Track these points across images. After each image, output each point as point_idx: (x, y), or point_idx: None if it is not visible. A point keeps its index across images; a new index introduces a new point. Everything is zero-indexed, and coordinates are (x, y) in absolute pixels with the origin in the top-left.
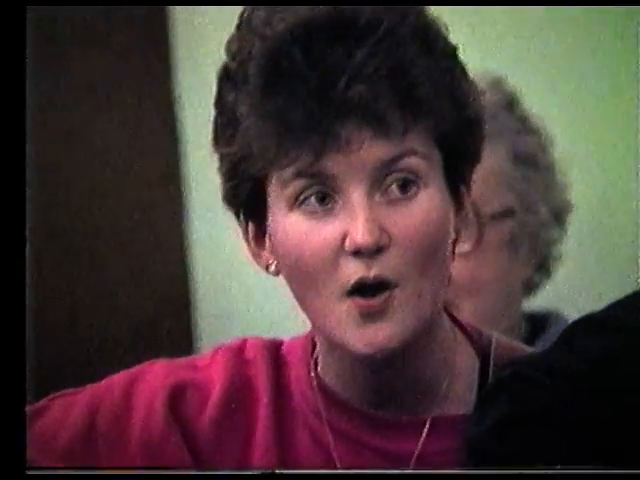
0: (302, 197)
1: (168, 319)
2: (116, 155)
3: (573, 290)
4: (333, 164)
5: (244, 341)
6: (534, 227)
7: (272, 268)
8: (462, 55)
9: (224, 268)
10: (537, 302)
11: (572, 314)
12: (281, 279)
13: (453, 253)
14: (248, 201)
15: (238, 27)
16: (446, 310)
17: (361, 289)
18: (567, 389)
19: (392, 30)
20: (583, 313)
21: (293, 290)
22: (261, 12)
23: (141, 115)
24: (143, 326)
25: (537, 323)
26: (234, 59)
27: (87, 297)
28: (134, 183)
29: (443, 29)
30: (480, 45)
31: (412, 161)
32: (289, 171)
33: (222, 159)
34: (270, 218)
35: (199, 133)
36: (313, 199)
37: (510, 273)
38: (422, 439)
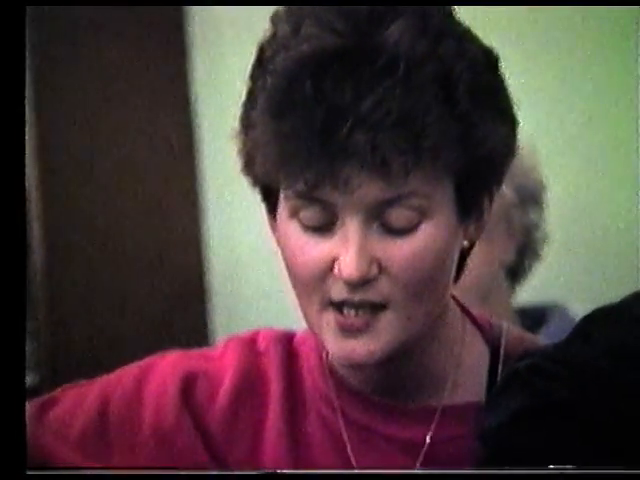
0: (301, 213)
1: (183, 312)
2: (132, 149)
3: (577, 283)
4: (331, 196)
5: (256, 332)
6: (503, 209)
7: None
8: None
9: (238, 261)
10: (541, 295)
11: (575, 306)
12: None
13: (464, 263)
14: (263, 192)
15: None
16: (456, 301)
17: (344, 305)
18: (585, 382)
19: (410, 74)
20: (588, 305)
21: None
22: (288, 25)
23: (157, 110)
24: (158, 318)
25: (535, 316)
26: (268, 49)
27: (102, 289)
28: (150, 177)
29: (480, 62)
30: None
31: (413, 202)
32: (289, 190)
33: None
34: (278, 211)
35: (215, 127)
36: (311, 218)
37: (485, 258)
38: (433, 426)
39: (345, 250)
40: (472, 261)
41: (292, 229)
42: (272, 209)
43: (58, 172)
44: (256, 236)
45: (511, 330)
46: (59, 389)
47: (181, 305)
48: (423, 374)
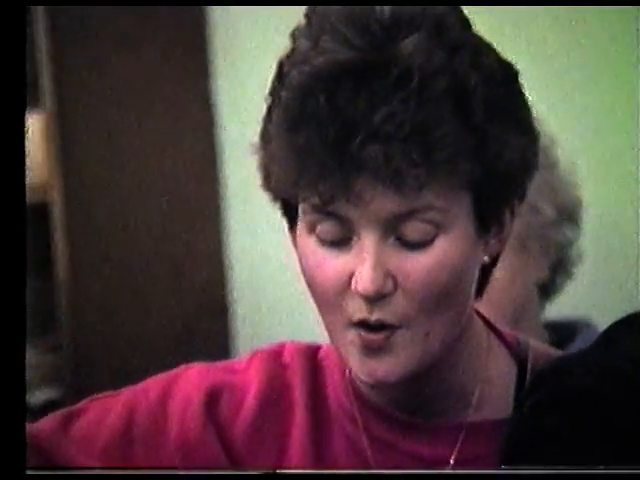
0: (318, 228)
1: (205, 323)
2: (154, 163)
3: (602, 297)
4: (346, 210)
5: (282, 345)
6: (541, 227)
7: None
8: None
9: (261, 272)
10: (565, 310)
11: (601, 321)
12: None
13: (488, 279)
14: (282, 207)
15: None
16: (481, 316)
17: (362, 325)
18: (610, 387)
19: (424, 86)
20: (613, 320)
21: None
22: (308, 40)
23: (179, 123)
24: (180, 330)
25: (565, 331)
26: (287, 64)
27: (124, 301)
28: (172, 187)
29: (499, 74)
30: None
31: (429, 215)
32: (306, 204)
33: (259, 164)
34: (298, 227)
35: (237, 140)
36: (328, 233)
37: (521, 275)
38: (458, 444)
39: (361, 264)
40: (508, 277)
41: (310, 244)
42: (292, 224)
43: (81, 186)
44: (278, 249)
45: (537, 346)
46: (84, 401)
47: (203, 318)
48: (448, 391)
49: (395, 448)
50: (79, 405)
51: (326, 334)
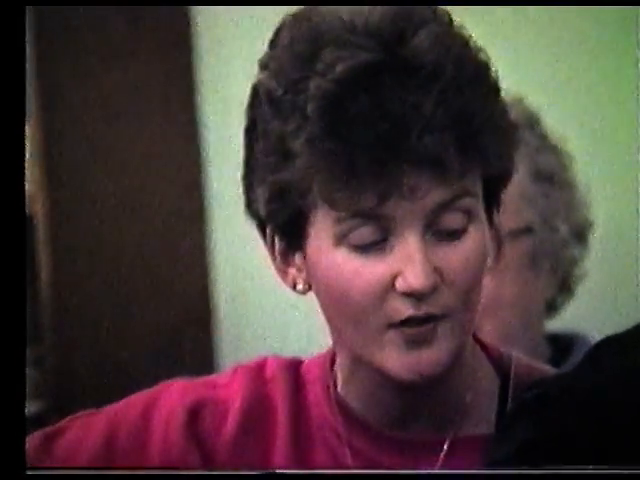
0: (353, 235)
1: (189, 336)
2: (139, 169)
3: (597, 311)
4: (393, 208)
5: (264, 360)
6: (554, 245)
7: (300, 287)
8: None
9: (245, 284)
10: (561, 323)
11: (596, 335)
12: (304, 297)
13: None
14: (284, 223)
15: (273, 44)
16: None
17: (409, 322)
18: (594, 410)
19: (455, 76)
20: (607, 334)
21: (330, 317)
22: (305, 43)
23: (164, 134)
24: (164, 343)
25: (562, 345)
26: (280, 85)
27: (108, 316)
28: (156, 198)
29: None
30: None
31: (466, 202)
32: (344, 212)
33: (261, 181)
34: (310, 246)
35: (222, 145)
36: (365, 237)
37: (532, 292)
38: (440, 460)
39: (409, 262)
40: (517, 293)
41: (339, 256)
42: (292, 240)
43: (64, 198)
44: (262, 260)
45: (520, 360)
46: (65, 419)
47: (187, 330)
48: (441, 405)
49: (378, 463)
50: (60, 424)
51: (312, 347)
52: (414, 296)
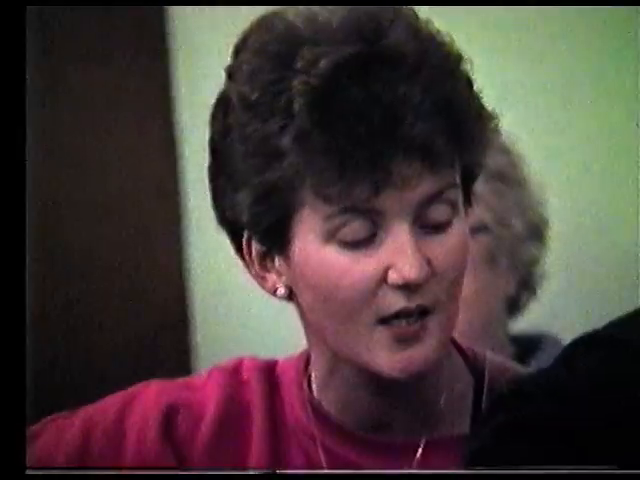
0: (343, 231)
1: (166, 339)
2: (114, 174)
3: (566, 311)
4: (385, 200)
5: (240, 361)
6: (510, 242)
7: (281, 292)
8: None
9: (222, 288)
10: (528, 323)
11: (565, 336)
12: (279, 300)
13: None
14: (269, 225)
15: (238, 52)
16: None
17: (400, 316)
18: (568, 408)
19: (438, 65)
20: (576, 334)
21: (314, 319)
22: (280, 44)
23: (141, 141)
24: (141, 346)
25: (528, 344)
26: (255, 89)
27: (84, 320)
28: (132, 202)
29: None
30: (473, 46)
31: (452, 193)
32: (337, 206)
33: (243, 185)
34: (295, 247)
35: (198, 151)
36: (355, 233)
37: (491, 290)
38: (416, 461)
39: (401, 254)
40: (477, 291)
41: (329, 254)
42: (271, 244)
43: (39, 203)
44: (238, 264)
45: (494, 359)
46: (40, 422)
47: (164, 335)
48: (417, 406)
49: (352, 465)
50: (36, 427)
51: (288, 349)
52: (407, 288)
